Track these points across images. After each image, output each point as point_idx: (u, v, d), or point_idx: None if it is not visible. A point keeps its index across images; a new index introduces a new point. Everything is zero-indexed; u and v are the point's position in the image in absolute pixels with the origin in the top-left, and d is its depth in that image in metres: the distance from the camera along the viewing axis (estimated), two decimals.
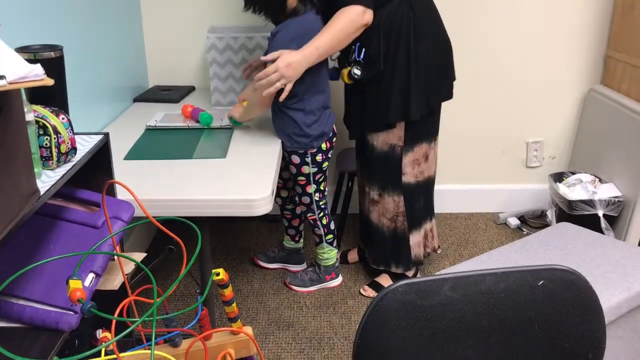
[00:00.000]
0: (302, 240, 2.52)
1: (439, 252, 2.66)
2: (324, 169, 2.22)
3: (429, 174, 2.28)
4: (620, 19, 2.61)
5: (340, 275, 2.43)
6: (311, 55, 1.93)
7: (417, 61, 2.04)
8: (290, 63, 1.91)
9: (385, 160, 2.19)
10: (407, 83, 2.05)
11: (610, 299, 1.46)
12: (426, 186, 2.28)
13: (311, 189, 2.23)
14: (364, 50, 2.05)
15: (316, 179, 2.22)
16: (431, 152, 2.23)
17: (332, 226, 2.35)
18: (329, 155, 2.22)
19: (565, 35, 2.75)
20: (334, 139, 2.22)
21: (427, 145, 2.20)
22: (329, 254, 2.36)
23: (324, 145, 2.16)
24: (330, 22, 1.94)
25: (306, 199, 2.25)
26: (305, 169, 2.18)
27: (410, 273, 2.37)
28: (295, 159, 2.16)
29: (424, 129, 2.17)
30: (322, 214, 2.29)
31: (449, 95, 2.22)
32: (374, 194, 2.26)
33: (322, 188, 2.26)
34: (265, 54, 2.03)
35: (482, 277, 0.94)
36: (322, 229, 2.31)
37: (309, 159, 2.16)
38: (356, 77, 2.06)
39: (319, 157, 2.17)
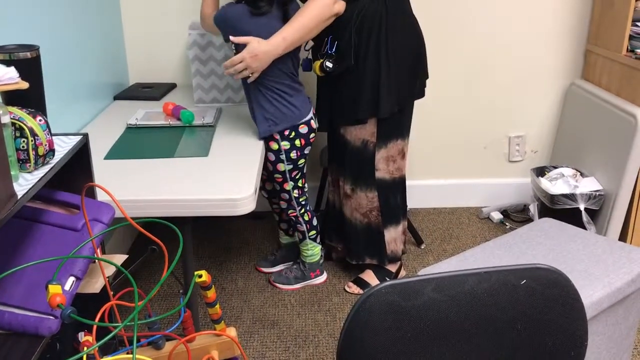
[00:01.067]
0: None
1: (422, 247, 2.67)
2: (300, 165, 2.20)
3: (405, 171, 2.30)
4: (600, 14, 2.63)
5: (324, 272, 2.43)
6: (279, 46, 1.93)
7: (387, 58, 2.04)
8: (256, 54, 1.91)
9: (358, 155, 2.19)
10: (377, 79, 2.06)
11: (591, 295, 1.47)
12: (402, 183, 2.31)
13: (288, 186, 2.22)
14: (336, 43, 2.05)
15: (292, 176, 2.20)
16: (406, 149, 2.25)
17: (315, 222, 2.34)
18: (305, 152, 2.19)
19: (546, 29, 2.77)
20: (311, 136, 2.18)
21: (402, 142, 2.21)
22: (313, 251, 2.36)
23: (297, 142, 2.14)
24: (300, 12, 1.93)
25: (285, 196, 2.25)
26: (281, 167, 2.16)
27: (393, 268, 2.38)
28: (271, 157, 2.15)
29: (397, 126, 2.18)
30: (302, 210, 2.28)
31: (420, 94, 2.24)
32: (347, 188, 2.26)
33: (300, 185, 2.25)
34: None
35: (465, 278, 0.94)
36: (304, 225, 2.30)
37: (283, 157, 2.14)
38: (328, 69, 2.06)
39: (293, 154, 2.15)
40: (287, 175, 2.19)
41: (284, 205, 2.28)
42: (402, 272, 2.43)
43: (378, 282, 2.36)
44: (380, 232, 2.28)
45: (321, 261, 2.42)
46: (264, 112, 2.07)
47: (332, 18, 1.96)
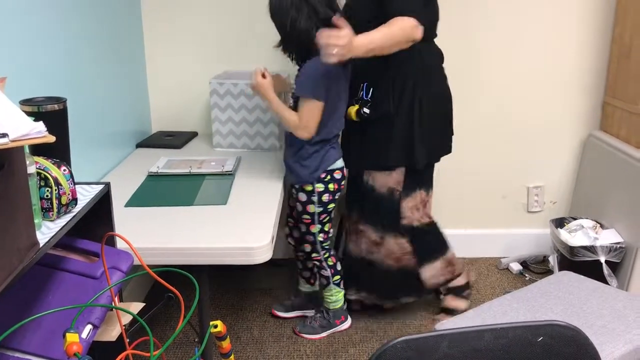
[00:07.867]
0: (317, 283, 2.47)
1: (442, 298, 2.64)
2: (330, 209, 2.22)
3: (431, 216, 2.32)
4: (617, 66, 2.65)
5: (349, 316, 2.41)
6: (363, 46, 1.83)
7: (421, 109, 2.07)
8: (350, 41, 1.78)
9: (384, 203, 2.20)
10: (411, 129, 2.08)
11: (612, 352, 1.44)
12: (432, 225, 2.32)
13: (315, 228, 2.22)
14: (372, 89, 2.07)
15: (321, 219, 2.22)
16: (428, 199, 2.27)
17: (339, 267, 2.33)
18: (336, 197, 2.22)
19: (563, 82, 2.79)
20: (342, 183, 2.21)
21: (425, 193, 2.23)
22: (337, 296, 2.34)
23: (331, 186, 2.17)
24: (386, 24, 1.85)
25: (310, 238, 2.25)
26: (311, 208, 2.18)
27: (461, 281, 2.40)
28: (302, 197, 2.17)
29: (423, 177, 2.21)
30: (327, 254, 2.28)
31: (449, 149, 2.29)
32: (376, 236, 2.26)
33: (326, 229, 2.26)
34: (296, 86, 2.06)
35: (481, 334, 0.93)
36: (328, 270, 2.29)
37: (315, 198, 2.16)
38: (365, 115, 2.08)
39: (325, 197, 2.17)
40: (316, 218, 2.20)
41: (308, 248, 2.29)
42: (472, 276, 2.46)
43: (463, 302, 2.38)
44: (415, 272, 2.29)
45: (345, 307, 2.39)
46: (302, 161, 2.13)
47: (409, 43, 1.88)
